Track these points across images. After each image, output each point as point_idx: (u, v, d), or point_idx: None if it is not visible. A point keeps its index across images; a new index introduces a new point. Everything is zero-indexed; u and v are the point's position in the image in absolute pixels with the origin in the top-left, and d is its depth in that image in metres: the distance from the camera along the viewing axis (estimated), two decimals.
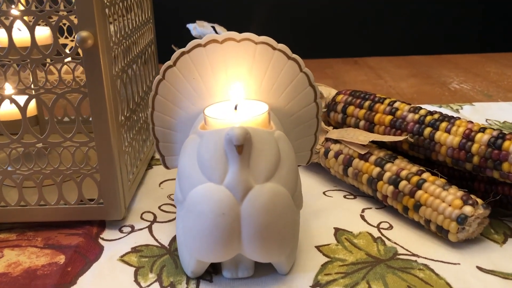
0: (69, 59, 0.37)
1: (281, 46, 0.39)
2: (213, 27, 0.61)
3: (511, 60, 1.00)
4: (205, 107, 0.38)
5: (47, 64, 0.37)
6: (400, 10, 2.28)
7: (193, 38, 0.62)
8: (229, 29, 0.63)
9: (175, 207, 0.44)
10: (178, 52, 0.39)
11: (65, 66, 0.37)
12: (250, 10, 2.14)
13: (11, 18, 0.35)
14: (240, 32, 0.39)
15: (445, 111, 0.69)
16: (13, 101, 0.38)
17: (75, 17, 0.35)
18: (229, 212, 0.31)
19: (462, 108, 0.70)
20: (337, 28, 2.28)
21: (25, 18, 0.36)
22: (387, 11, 2.26)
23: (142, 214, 0.43)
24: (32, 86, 0.37)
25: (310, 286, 0.34)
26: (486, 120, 0.66)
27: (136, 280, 0.35)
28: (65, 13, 0.36)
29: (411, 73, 0.92)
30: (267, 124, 0.35)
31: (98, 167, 0.39)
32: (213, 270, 0.36)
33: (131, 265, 0.37)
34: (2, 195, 0.40)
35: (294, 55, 0.39)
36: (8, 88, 0.38)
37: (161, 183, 0.50)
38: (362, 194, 0.46)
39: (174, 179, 0.49)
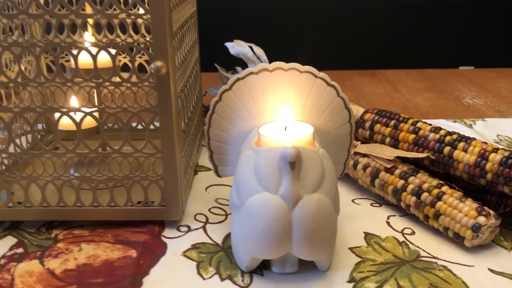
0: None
1: (322, 74, 0.45)
2: (251, 47, 0.67)
3: None
4: (256, 126, 0.44)
5: (125, 87, 0.43)
6: (414, 23, 2.33)
7: (232, 55, 0.69)
8: (262, 48, 0.69)
9: (223, 210, 0.51)
10: (234, 78, 0.45)
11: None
12: (276, 29, 2.24)
13: (97, 48, 0.42)
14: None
15: (459, 126, 0.75)
16: (94, 117, 0.44)
17: (150, 49, 0.42)
18: (282, 217, 0.37)
19: (475, 123, 0.76)
20: (355, 41, 2.36)
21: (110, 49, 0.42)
22: (403, 25, 2.32)
23: (195, 216, 0.50)
24: (112, 105, 0.43)
25: (346, 281, 0.40)
26: (497, 135, 0.71)
27: (198, 272, 0.41)
28: (142, 45, 0.42)
29: (426, 87, 0.98)
30: (312, 143, 0.41)
31: (163, 175, 0.45)
32: (263, 266, 0.42)
33: (192, 260, 0.43)
34: (79, 197, 0.46)
35: (333, 82, 0.45)
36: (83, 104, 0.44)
37: (207, 188, 0.56)
38: (387, 203, 0.52)
39: (219, 185, 0.56)
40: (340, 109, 0.46)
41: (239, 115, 0.45)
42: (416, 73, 1.09)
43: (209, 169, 0.60)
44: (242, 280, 0.40)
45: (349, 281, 0.40)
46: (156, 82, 0.42)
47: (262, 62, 0.66)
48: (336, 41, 2.32)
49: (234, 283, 0.40)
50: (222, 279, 0.40)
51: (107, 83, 0.42)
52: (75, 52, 0.42)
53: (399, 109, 0.84)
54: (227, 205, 0.52)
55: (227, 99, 0.45)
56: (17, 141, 0.49)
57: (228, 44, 0.69)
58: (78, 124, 0.44)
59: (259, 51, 0.66)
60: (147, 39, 0.42)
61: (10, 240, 0.46)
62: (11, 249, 0.45)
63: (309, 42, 2.28)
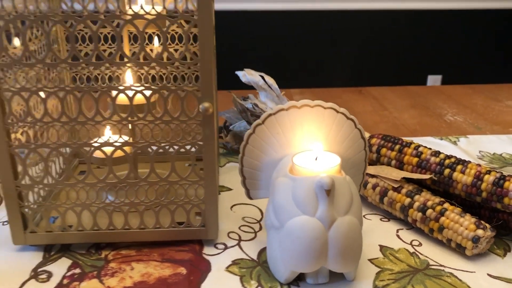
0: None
1: (343, 110, 0.52)
2: (262, 76, 0.74)
3: (494, 92, 1.15)
4: (286, 155, 0.51)
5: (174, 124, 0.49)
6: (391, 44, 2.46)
7: (243, 83, 0.76)
8: (269, 74, 0.75)
9: (252, 228, 0.57)
10: (266, 114, 0.51)
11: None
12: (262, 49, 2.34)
13: (151, 91, 0.47)
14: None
15: (445, 143, 0.83)
16: (145, 152, 0.50)
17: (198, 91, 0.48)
18: (320, 237, 0.44)
19: (459, 140, 0.85)
20: (340, 59, 2.49)
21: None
22: (385, 44, 2.44)
23: (228, 234, 0.56)
24: (159, 138, 0.49)
25: None
26: (480, 151, 0.80)
27: (243, 286, 0.47)
28: (190, 89, 0.48)
29: (410, 104, 1.06)
30: (339, 171, 0.48)
31: (204, 199, 0.51)
32: (298, 278, 0.48)
33: (235, 274, 0.49)
34: (127, 221, 0.52)
35: (351, 116, 0.52)
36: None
37: (232, 207, 0.62)
38: (394, 218, 0.59)
39: (242, 204, 0.62)
40: (357, 138, 0.53)
41: (270, 145, 0.52)
42: (399, 90, 1.17)
43: (229, 189, 0.66)
44: None
45: None
46: (202, 120, 0.48)
47: (273, 90, 0.73)
48: (316, 60, 2.45)
49: None
50: None
51: (158, 121, 0.48)
52: (130, 93, 0.47)
53: (389, 127, 0.92)
54: (254, 223, 0.58)
55: (260, 131, 0.52)
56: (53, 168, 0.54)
57: (239, 73, 0.75)
58: (129, 156, 0.49)
59: (270, 80, 0.73)
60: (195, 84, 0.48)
61: (66, 262, 0.51)
62: (69, 269, 0.50)
63: (294, 61, 2.40)
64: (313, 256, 0.44)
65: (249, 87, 0.77)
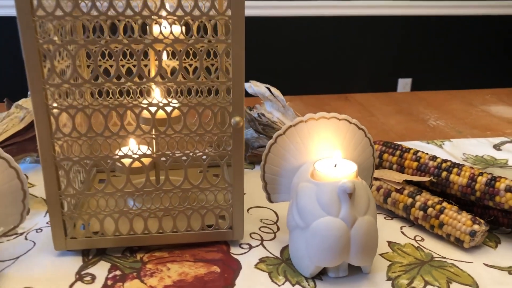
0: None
1: (355, 121, 0.58)
2: (268, 88, 0.79)
3: (469, 97, 1.24)
4: (305, 162, 0.57)
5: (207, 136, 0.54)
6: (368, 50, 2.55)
7: (250, 95, 0.81)
8: (274, 86, 0.81)
9: (271, 229, 0.63)
10: (286, 125, 0.57)
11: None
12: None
13: (187, 107, 0.52)
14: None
15: (432, 147, 0.91)
16: (182, 163, 0.54)
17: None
18: (344, 235, 0.50)
19: (444, 144, 0.92)
20: (327, 67, 2.58)
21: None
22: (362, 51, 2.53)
23: (250, 235, 0.61)
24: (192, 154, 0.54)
25: (385, 280, 0.53)
26: (463, 154, 0.88)
27: (273, 281, 0.53)
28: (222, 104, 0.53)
29: (395, 110, 1.14)
30: (356, 176, 0.54)
31: (232, 203, 0.56)
32: (320, 272, 0.54)
33: (264, 271, 0.54)
34: (161, 225, 0.56)
35: (362, 126, 0.58)
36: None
37: (248, 210, 0.67)
38: (396, 216, 0.66)
39: (257, 207, 0.68)
40: (367, 146, 0.59)
41: (290, 153, 0.57)
42: (383, 96, 1.25)
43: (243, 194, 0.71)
44: (308, 284, 0.52)
45: (387, 280, 0.53)
46: (233, 133, 0.53)
47: (279, 101, 0.78)
48: (309, 67, 2.53)
49: (303, 287, 0.52)
50: (293, 285, 0.52)
51: (193, 134, 0.53)
52: (169, 109, 0.52)
53: (379, 132, 0.99)
54: (271, 224, 0.64)
55: (281, 141, 0.57)
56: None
57: (246, 84, 0.80)
58: (164, 165, 0.54)
59: (276, 91, 0.79)
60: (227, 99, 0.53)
61: (105, 265, 0.55)
62: (109, 271, 0.54)
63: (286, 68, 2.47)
64: (337, 252, 0.50)
65: (248, 95, 0.82)
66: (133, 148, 0.54)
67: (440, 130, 1.01)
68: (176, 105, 0.52)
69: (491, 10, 2.70)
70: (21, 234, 0.61)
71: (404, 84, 2.80)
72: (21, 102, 0.74)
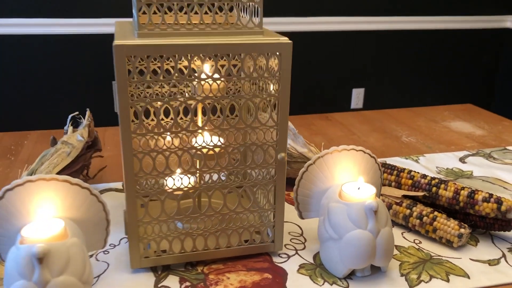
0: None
1: (368, 151, 0.73)
2: None
3: (430, 114, 1.43)
4: (331, 186, 0.71)
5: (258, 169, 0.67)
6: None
7: None
8: None
9: (299, 240, 0.76)
10: (316, 156, 0.71)
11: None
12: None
13: (232, 146, 0.65)
14: None
15: (410, 162, 1.07)
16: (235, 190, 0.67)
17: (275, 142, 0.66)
18: (371, 244, 0.64)
19: (419, 159, 1.09)
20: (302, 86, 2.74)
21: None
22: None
23: (285, 246, 0.74)
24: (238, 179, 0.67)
25: (400, 276, 0.68)
26: (437, 167, 1.05)
27: (314, 282, 0.66)
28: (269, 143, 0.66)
29: (371, 128, 1.31)
30: (375, 197, 0.69)
31: (275, 221, 0.70)
32: (350, 273, 0.68)
33: (305, 275, 0.68)
34: (218, 242, 0.69)
35: (373, 155, 0.73)
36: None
37: None
38: (397, 224, 0.81)
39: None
40: (376, 169, 0.74)
41: (319, 179, 0.71)
42: (357, 115, 1.41)
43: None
44: (342, 283, 0.66)
45: (401, 276, 0.68)
46: (276, 165, 0.67)
47: (290, 130, 0.92)
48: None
49: (339, 286, 0.66)
50: (330, 284, 0.66)
51: (247, 168, 0.66)
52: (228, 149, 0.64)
53: None
54: (299, 236, 0.77)
55: (311, 169, 0.71)
56: None
57: None
58: (224, 194, 0.66)
59: None
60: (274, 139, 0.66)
61: (174, 278, 0.66)
62: (180, 283, 0.65)
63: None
64: (366, 257, 0.65)
65: None
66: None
67: (413, 146, 1.18)
68: (236, 146, 0.65)
69: (441, 25, 2.97)
70: (91, 256, 0.71)
71: (357, 93, 3.01)
72: (66, 138, 0.84)
